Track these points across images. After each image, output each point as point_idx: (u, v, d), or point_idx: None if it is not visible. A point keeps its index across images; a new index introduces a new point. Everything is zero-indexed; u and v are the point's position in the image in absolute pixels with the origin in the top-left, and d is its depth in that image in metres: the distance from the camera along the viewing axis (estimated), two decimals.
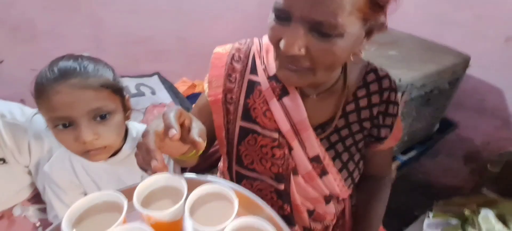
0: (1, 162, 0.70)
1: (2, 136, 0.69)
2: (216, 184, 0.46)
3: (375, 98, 0.64)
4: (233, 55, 0.66)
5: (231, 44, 0.69)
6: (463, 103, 1.51)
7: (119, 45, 1.55)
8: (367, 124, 0.65)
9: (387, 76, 0.65)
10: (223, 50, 0.68)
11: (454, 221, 1.28)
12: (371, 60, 0.67)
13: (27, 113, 0.74)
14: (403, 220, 1.37)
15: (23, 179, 0.74)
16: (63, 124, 0.62)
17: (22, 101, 1.46)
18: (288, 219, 0.66)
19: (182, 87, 1.76)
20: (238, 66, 0.65)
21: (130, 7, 1.53)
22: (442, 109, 1.44)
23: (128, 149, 0.74)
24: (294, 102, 0.61)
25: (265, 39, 0.69)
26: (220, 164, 0.92)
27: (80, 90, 0.61)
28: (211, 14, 1.79)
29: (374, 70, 0.65)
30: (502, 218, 1.20)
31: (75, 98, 0.60)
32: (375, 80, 0.64)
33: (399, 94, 0.68)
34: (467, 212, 1.28)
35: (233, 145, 0.66)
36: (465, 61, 1.30)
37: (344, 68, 0.64)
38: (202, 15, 1.76)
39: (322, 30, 0.46)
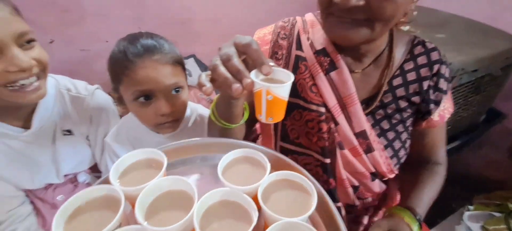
0: (68, 133, 0.76)
1: (68, 108, 0.75)
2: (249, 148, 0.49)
3: (425, 71, 0.62)
4: (279, 33, 0.67)
5: (273, 24, 0.69)
6: None
7: (159, 27, 1.58)
8: (416, 99, 0.63)
9: (435, 48, 0.63)
10: (266, 30, 0.69)
11: (497, 214, 1.23)
12: (440, 50, 0.64)
13: (89, 88, 0.80)
14: (439, 212, 1.32)
15: (85, 150, 0.81)
16: (145, 97, 0.66)
17: None
18: (332, 194, 0.66)
19: None
20: (284, 43, 0.66)
21: None
22: (491, 98, 1.35)
23: (185, 124, 0.78)
24: (342, 76, 0.61)
25: (308, 17, 0.69)
26: (258, 143, 0.94)
27: (162, 65, 0.65)
28: None
29: (422, 42, 0.63)
30: None
31: (158, 72, 0.64)
32: (423, 53, 0.62)
33: (448, 69, 0.64)
34: (511, 205, 1.22)
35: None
36: None
37: (390, 41, 0.63)
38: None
39: None
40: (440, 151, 0.71)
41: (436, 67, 0.62)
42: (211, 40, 1.82)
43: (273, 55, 0.66)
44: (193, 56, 1.76)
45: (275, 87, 0.43)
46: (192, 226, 0.37)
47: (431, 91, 0.62)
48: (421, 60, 0.62)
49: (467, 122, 1.35)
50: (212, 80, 0.45)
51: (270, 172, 0.44)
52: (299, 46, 0.65)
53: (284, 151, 0.69)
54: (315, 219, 0.46)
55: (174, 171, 0.49)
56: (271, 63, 0.45)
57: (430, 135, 0.68)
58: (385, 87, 0.62)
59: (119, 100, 0.74)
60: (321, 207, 0.44)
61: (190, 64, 1.71)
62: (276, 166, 0.47)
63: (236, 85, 0.42)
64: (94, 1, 1.43)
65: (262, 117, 0.47)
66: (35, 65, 0.61)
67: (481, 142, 1.50)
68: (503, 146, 1.54)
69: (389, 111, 0.63)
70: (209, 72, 0.46)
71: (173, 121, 0.71)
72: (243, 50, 0.44)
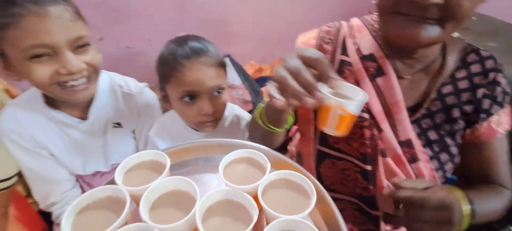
0: (118, 125, 0.82)
1: (120, 103, 0.82)
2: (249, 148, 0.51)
3: (479, 79, 0.59)
4: (323, 37, 0.67)
5: (316, 29, 0.69)
6: None
7: (198, 27, 1.67)
8: (468, 108, 0.59)
9: (491, 56, 0.59)
10: (310, 34, 0.69)
11: None
12: (497, 59, 0.60)
13: (139, 86, 0.87)
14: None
15: (130, 142, 0.87)
16: (190, 97, 0.70)
17: None
18: (371, 201, 0.65)
19: (249, 70, 1.82)
20: (328, 47, 0.66)
21: None
22: None
23: (222, 124, 0.82)
24: (389, 82, 0.59)
25: (355, 21, 0.68)
26: (291, 147, 0.95)
27: (208, 67, 0.69)
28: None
29: (476, 50, 0.60)
30: None
31: (204, 74, 0.68)
32: (478, 62, 0.59)
33: (506, 79, 0.60)
34: None
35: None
36: None
37: (443, 47, 0.60)
38: (276, 0, 1.78)
39: None
40: (501, 171, 0.63)
41: (492, 75, 0.58)
42: (245, 40, 1.86)
43: None
44: (229, 56, 1.81)
45: (349, 104, 0.45)
46: (195, 224, 0.39)
47: (485, 100, 0.59)
48: (475, 68, 0.59)
49: None
50: (281, 91, 0.46)
51: (271, 172, 0.45)
52: (344, 51, 0.65)
53: (322, 155, 0.68)
54: (316, 219, 0.46)
55: (178, 172, 0.51)
56: (336, 77, 0.46)
57: (483, 151, 0.62)
58: (433, 95, 0.60)
59: (164, 98, 0.79)
60: (323, 207, 0.45)
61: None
62: (278, 166, 0.48)
63: (309, 99, 0.43)
64: (141, 1, 1.52)
65: (329, 129, 0.48)
66: (85, 69, 0.66)
67: None
68: None
69: (438, 121, 0.61)
70: (273, 83, 0.47)
71: (213, 120, 0.75)
72: (310, 64, 0.45)
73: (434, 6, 0.47)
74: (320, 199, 0.43)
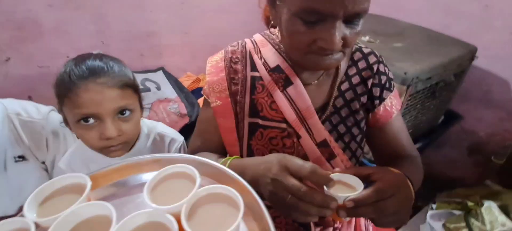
0: (21, 159, 0.72)
1: (20, 134, 0.72)
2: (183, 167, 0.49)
3: (366, 73, 0.68)
4: (231, 58, 0.68)
5: (222, 50, 0.71)
6: (468, 94, 1.50)
7: (123, 41, 1.56)
8: (363, 99, 0.68)
9: (372, 52, 0.69)
10: (217, 57, 0.70)
11: (457, 212, 1.30)
12: (377, 53, 0.70)
13: (42, 111, 0.77)
14: None
15: (41, 176, 0.77)
16: (87, 120, 0.64)
17: (30, 97, 1.49)
18: None
19: (186, 81, 1.77)
20: (238, 66, 0.67)
21: (133, 2, 1.53)
22: (447, 101, 1.43)
23: (141, 145, 0.76)
24: (298, 90, 0.64)
25: (257, 37, 0.71)
26: None
27: (108, 88, 0.64)
28: (214, 8, 1.78)
29: (359, 49, 0.69)
30: (505, 210, 1.21)
31: (103, 96, 0.63)
32: (362, 58, 0.68)
33: (387, 67, 0.70)
34: (470, 204, 1.30)
35: (243, 142, 0.68)
36: (472, 53, 1.29)
37: None
38: (205, 10, 1.76)
39: (357, 19, 0.52)
40: (405, 143, 0.71)
41: (375, 67, 0.68)
42: (179, 52, 1.81)
43: (231, 81, 0.67)
44: (162, 68, 1.73)
45: (354, 195, 0.47)
46: None
47: (374, 89, 0.68)
48: (361, 64, 0.68)
49: (426, 125, 1.43)
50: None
51: (203, 185, 0.44)
52: (254, 67, 0.67)
53: None
54: (253, 228, 0.47)
55: (106, 195, 0.49)
56: (332, 174, 0.50)
57: (386, 131, 0.70)
58: (335, 93, 0.66)
59: (66, 122, 0.71)
60: (257, 214, 0.45)
61: (159, 77, 1.68)
62: (218, 177, 0.49)
63: (328, 213, 0.47)
64: (52, 16, 1.37)
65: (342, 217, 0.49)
66: None
67: (441, 143, 1.58)
68: (462, 146, 1.63)
69: (343, 115, 0.67)
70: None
71: (121, 143, 0.70)
72: (307, 178, 0.48)
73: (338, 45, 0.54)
74: (255, 210, 0.43)
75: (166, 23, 1.66)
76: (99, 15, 1.48)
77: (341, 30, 0.51)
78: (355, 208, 0.47)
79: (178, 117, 1.41)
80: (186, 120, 1.40)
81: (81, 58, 0.67)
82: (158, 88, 1.58)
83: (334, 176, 0.50)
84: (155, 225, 0.41)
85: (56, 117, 0.79)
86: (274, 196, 0.48)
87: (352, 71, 0.68)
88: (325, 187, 0.49)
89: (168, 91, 1.56)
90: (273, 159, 0.51)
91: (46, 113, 0.76)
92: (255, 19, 2.04)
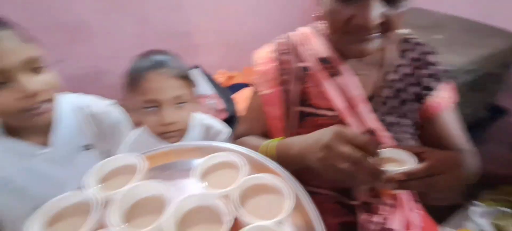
0: (87, 148, 0.79)
1: (87, 125, 0.79)
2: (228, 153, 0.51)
3: (417, 64, 0.67)
4: (280, 49, 0.72)
5: (270, 43, 0.74)
6: None
7: (161, 41, 1.64)
8: (414, 89, 0.67)
9: (421, 42, 0.68)
10: (268, 48, 0.73)
11: (505, 210, 1.24)
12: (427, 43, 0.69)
13: (105, 104, 0.84)
14: (446, 207, 1.33)
15: None
16: (151, 106, 0.72)
17: None
18: (349, 193, 0.69)
19: (220, 78, 1.83)
20: (288, 57, 0.70)
21: (171, 4, 1.62)
22: (492, 95, 1.37)
23: (193, 134, 0.82)
24: (347, 79, 0.65)
25: (304, 29, 0.73)
26: None
27: (168, 78, 0.72)
28: (246, 8, 1.84)
29: (409, 39, 0.68)
30: None
31: (163, 85, 0.71)
32: (412, 49, 0.68)
33: (439, 58, 0.69)
34: None
35: (293, 130, 0.70)
36: None
37: None
38: (238, 10, 1.81)
39: None
40: (457, 137, 0.69)
41: (427, 57, 0.67)
42: (213, 50, 1.87)
43: (281, 71, 0.70)
44: (198, 67, 1.80)
45: (405, 169, 0.47)
46: (169, 229, 0.39)
47: (426, 79, 0.67)
48: (412, 55, 0.67)
49: (470, 119, 1.37)
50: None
51: (249, 174, 0.45)
52: (302, 58, 0.69)
53: None
54: (296, 220, 0.46)
55: (157, 176, 0.50)
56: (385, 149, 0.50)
57: (437, 123, 0.69)
58: (383, 84, 0.66)
59: (132, 111, 0.79)
60: (300, 209, 0.45)
61: (195, 75, 1.75)
62: (258, 168, 0.48)
63: (380, 182, 0.46)
64: (101, 20, 1.48)
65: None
66: (43, 90, 0.64)
67: (485, 138, 1.51)
68: (507, 141, 1.54)
69: (392, 105, 0.67)
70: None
71: (178, 130, 0.76)
72: (362, 147, 0.47)
73: (377, 26, 0.54)
74: (297, 202, 0.43)
75: (201, 23, 1.73)
76: (140, 17, 1.57)
77: (378, 8, 0.51)
78: (405, 181, 0.46)
79: (216, 112, 1.46)
80: (224, 115, 1.45)
81: (146, 54, 0.76)
82: (195, 85, 1.65)
83: (387, 151, 0.51)
84: (207, 208, 0.43)
85: (115, 111, 0.86)
86: (325, 162, 0.49)
87: (402, 61, 0.67)
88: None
89: (205, 88, 1.62)
90: (325, 130, 0.52)
91: (107, 107, 0.84)
92: (286, 18, 2.08)
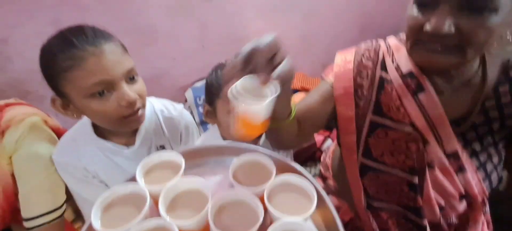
0: (162, 148, 0.86)
1: (163, 127, 0.86)
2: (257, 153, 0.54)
3: None
4: (363, 54, 0.70)
5: (354, 47, 0.72)
6: None
7: (220, 44, 1.71)
8: (510, 122, 0.61)
9: None
10: (348, 52, 0.72)
11: None
12: None
13: (178, 109, 0.91)
14: None
15: None
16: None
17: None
18: (418, 211, 0.66)
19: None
20: (369, 63, 0.68)
21: (231, 10, 1.67)
22: None
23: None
24: (429, 97, 0.61)
25: (391, 40, 0.70)
26: (326, 159, 0.96)
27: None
28: (302, 13, 1.83)
29: None
30: None
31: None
32: None
33: None
34: None
35: (361, 137, 0.68)
36: None
37: (482, 63, 0.62)
38: (294, 14, 1.81)
39: (475, 4, 0.48)
40: None
41: None
42: None
43: (358, 74, 0.68)
44: None
45: (250, 104, 0.45)
46: (206, 221, 0.43)
47: None
48: None
49: None
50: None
51: (276, 175, 0.49)
52: (384, 68, 0.67)
53: (364, 167, 0.69)
54: (317, 222, 0.50)
55: (192, 172, 0.54)
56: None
57: None
58: (477, 109, 0.61)
59: (212, 115, 0.84)
60: (323, 210, 0.48)
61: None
62: (283, 169, 0.52)
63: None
64: (166, 23, 1.58)
65: (232, 130, 0.51)
66: (139, 98, 0.70)
67: None
68: None
69: (481, 133, 0.62)
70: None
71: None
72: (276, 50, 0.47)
73: (449, 35, 0.51)
74: (320, 202, 0.46)
75: (258, 27, 1.75)
76: (202, 22, 1.64)
77: (453, 17, 0.49)
78: None
79: None
80: None
81: (218, 67, 0.81)
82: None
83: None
84: (241, 203, 0.47)
85: (187, 114, 0.91)
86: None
87: (503, 88, 0.61)
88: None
89: None
90: None
91: (180, 110, 0.89)
92: (341, 23, 2.03)
